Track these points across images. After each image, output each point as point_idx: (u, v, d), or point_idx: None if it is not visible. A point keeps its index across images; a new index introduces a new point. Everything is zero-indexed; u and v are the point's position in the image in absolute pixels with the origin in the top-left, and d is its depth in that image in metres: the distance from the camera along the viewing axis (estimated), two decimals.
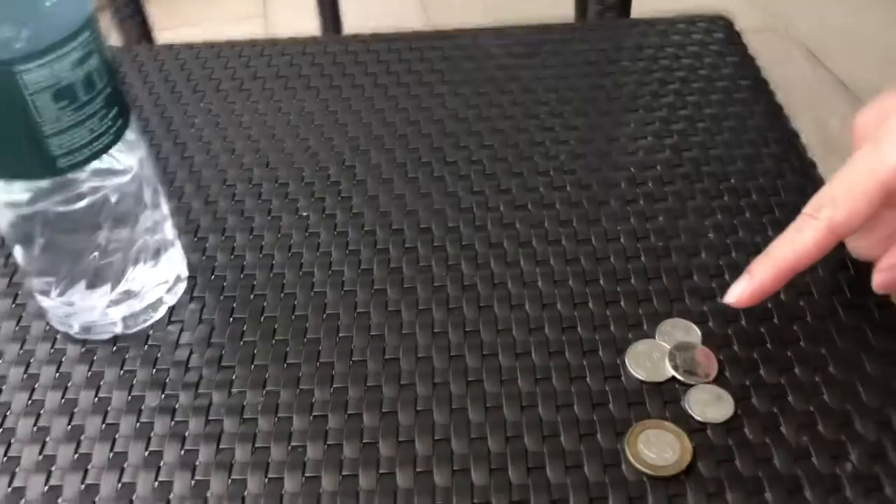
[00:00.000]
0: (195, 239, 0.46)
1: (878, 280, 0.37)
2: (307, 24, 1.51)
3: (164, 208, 0.41)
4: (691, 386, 0.36)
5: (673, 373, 0.36)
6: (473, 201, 0.47)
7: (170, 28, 1.52)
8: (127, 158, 0.37)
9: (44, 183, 0.35)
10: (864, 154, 0.35)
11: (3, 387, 0.39)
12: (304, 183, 0.49)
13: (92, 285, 0.39)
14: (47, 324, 0.41)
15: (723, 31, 0.59)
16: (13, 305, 0.43)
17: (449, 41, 0.59)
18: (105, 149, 0.35)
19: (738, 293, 0.36)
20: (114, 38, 0.73)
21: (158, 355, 0.40)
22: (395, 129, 0.52)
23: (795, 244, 0.35)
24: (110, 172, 0.37)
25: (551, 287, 0.41)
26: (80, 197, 0.36)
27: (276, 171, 0.50)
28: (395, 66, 0.57)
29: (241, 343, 0.40)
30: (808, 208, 0.35)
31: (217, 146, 0.52)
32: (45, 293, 0.39)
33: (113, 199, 0.37)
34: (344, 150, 0.51)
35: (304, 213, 0.47)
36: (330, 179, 0.49)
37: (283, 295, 0.42)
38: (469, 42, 0.59)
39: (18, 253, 0.39)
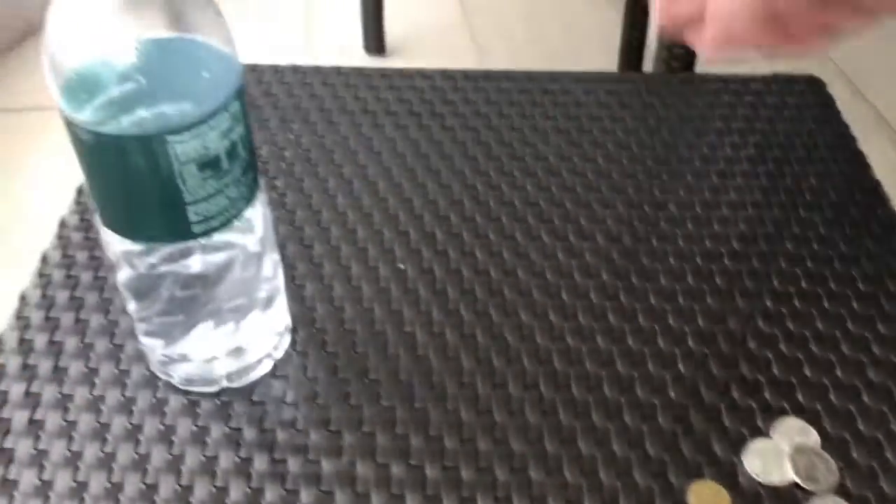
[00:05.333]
0: (294, 284, 0.45)
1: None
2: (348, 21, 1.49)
3: (277, 253, 0.40)
4: (812, 494, 0.36)
5: (795, 478, 0.36)
6: (547, 265, 0.46)
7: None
8: (254, 217, 0.37)
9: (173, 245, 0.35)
10: None
11: (108, 436, 0.38)
12: (400, 231, 0.48)
13: (207, 337, 0.38)
14: (147, 368, 0.41)
15: (815, 95, 0.58)
16: (111, 345, 0.42)
17: (527, 83, 0.58)
18: (238, 214, 0.35)
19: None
20: None
21: (265, 413, 0.39)
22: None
23: None
24: (239, 234, 0.36)
25: (661, 369, 0.41)
26: (205, 261, 0.35)
27: (371, 216, 0.49)
28: (483, 106, 0.56)
29: (349, 405, 0.40)
30: None
31: (310, 184, 0.51)
32: (156, 344, 0.39)
33: (239, 258, 0.36)
34: (438, 199, 0.50)
35: (402, 266, 0.46)
36: (425, 229, 0.48)
37: (386, 355, 0.42)
38: (555, 87, 0.58)
39: (131, 305, 0.38)
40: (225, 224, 0.34)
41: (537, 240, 0.48)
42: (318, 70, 0.60)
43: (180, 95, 0.30)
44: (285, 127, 0.55)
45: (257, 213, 0.37)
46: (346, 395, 0.40)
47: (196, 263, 0.36)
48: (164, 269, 0.35)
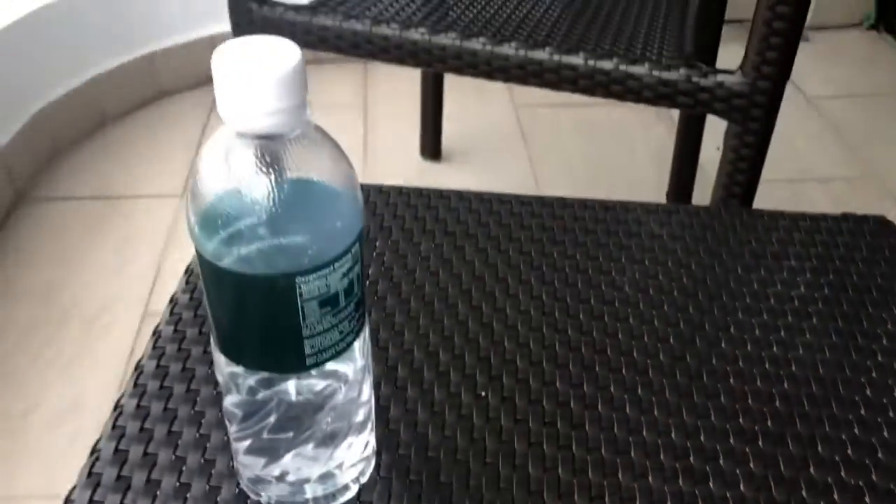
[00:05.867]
0: (379, 405, 0.46)
1: None
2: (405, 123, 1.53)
3: (371, 376, 0.41)
4: None
5: None
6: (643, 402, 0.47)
7: None
8: (358, 347, 0.38)
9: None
10: None
11: None
12: (481, 358, 0.49)
13: (303, 461, 0.39)
14: (237, 485, 0.42)
15: (887, 237, 0.59)
16: (202, 461, 0.43)
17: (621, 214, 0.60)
18: (348, 347, 0.36)
19: None
20: None
21: None
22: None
23: None
24: (340, 360, 0.38)
25: (722, 489, 0.41)
26: (311, 389, 0.37)
27: (451, 339, 0.50)
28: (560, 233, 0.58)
29: None
30: None
31: (392, 303, 0.53)
32: (256, 463, 0.40)
33: (342, 387, 0.38)
34: (518, 325, 0.51)
35: (483, 394, 0.47)
36: (506, 356, 0.49)
37: (468, 486, 0.42)
38: (631, 217, 0.60)
39: (233, 428, 0.39)
40: (335, 357, 0.36)
41: (617, 372, 0.49)
42: (400, 190, 0.62)
43: (311, 238, 0.32)
44: (369, 245, 0.57)
45: (360, 343, 0.38)
46: None
47: (292, 388, 0.37)
48: (267, 393, 0.37)
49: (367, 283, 0.54)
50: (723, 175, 0.84)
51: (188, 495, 0.41)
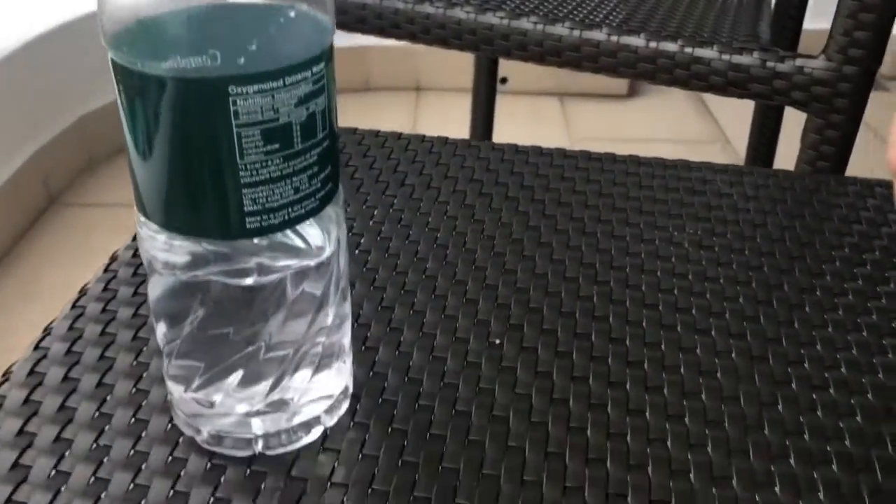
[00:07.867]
0: (363, 349, 0.37)
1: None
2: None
3: (348, 306, 0.32)
4: None
5: None
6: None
7: None
8: (321, 237, 0.29)
9: (213, 245, 0.27)
10: None
11: (104, 494, 0.30)
12: (498, 304, 0.40)
13: (241, 385, 0.30)
14: (170, 421, 0.33)
15: None
16: (133, 391, 0.34)
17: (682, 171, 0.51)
18: (306, 215, 0.27)
19: None
20: None
21: (304, 493, 0.30)
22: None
23: None
24: (297, 250, 0.29)
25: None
26: (253, 272, 0.28)
27: (465, 283, 0.41)
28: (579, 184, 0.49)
29: (413, 497, 0.30)
30: None
31: (397, 245, 0.44)
32: (183, 383, 0.31)
33: (295, 284, 0.29)
34: (547, 273, 0.42)
35: (498, 341, 0.38)
36: (530, 305, 0.40)
37: (467, 442, 0.32)
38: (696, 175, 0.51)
39: (161, 329, 0.30)
40: (287, 224, 0.27)
41: (670, 329, 0.38)
42: (422, 138, 0.54)
43: (252, 32, 0.24)
44: (378, 188, 0.49)
45: (326, 234, 0.29)
46: (410, 484, 0.31)
47: (237, 275, 0.28)
48: (199, 274, 0.28)
49: (371, 223, 0.46)
50: (806, 147, 0.72)
51: (107, 427, 0.32)
